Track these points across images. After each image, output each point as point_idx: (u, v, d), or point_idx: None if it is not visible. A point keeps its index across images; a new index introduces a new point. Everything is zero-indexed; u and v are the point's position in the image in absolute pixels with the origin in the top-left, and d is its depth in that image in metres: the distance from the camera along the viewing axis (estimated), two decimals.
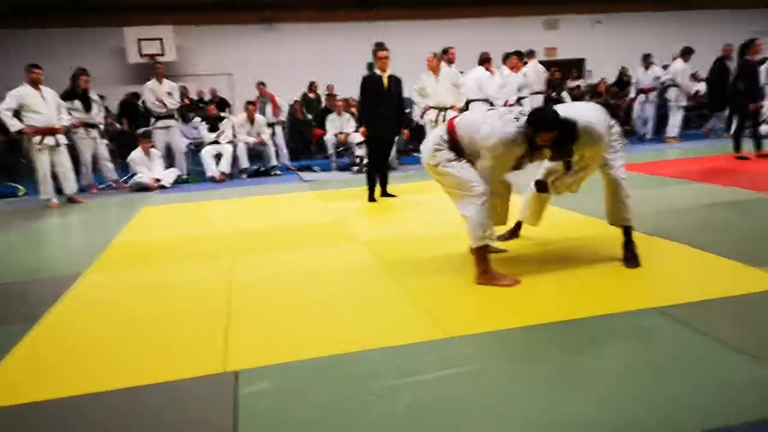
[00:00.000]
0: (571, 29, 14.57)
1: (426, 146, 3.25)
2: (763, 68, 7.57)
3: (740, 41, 9.57)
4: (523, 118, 2.91)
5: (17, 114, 6.56)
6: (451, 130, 3.13)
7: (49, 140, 6.75)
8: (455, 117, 3.25)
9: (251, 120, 9.17)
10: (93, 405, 2.07)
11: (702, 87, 10.61)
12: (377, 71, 5.91)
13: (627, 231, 3.34)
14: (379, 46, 5.91)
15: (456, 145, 3.11)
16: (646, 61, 10.73)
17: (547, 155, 3.08)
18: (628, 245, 3.32)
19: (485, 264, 3.09)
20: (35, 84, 6.72)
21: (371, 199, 5.95)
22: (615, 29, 14.42)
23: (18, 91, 6.64)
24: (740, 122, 7.43)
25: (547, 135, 2.86)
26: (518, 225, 3.97)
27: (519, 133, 2.89)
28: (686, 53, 10.08)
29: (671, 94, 10.28)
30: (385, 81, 5.85)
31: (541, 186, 3.41)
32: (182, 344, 2.55)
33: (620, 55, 13.65)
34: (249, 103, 9.35)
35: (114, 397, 2.10)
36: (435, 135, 3.23)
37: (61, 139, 6.93)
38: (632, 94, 11.33)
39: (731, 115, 8.09)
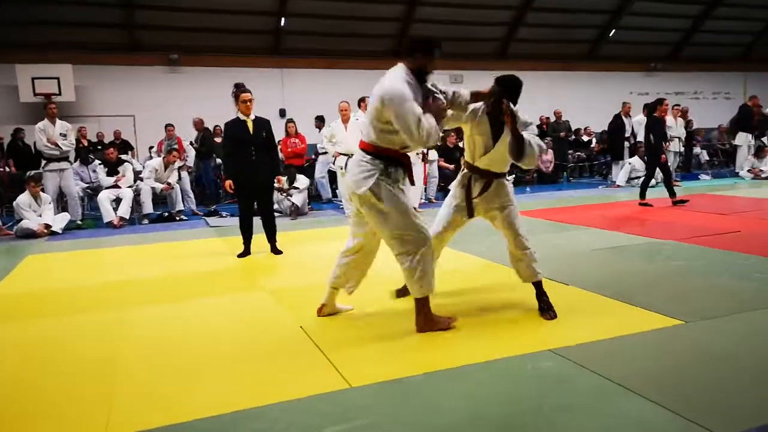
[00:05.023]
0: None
1: (349, 179, 2.99)
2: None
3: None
4: None
5: None
6: (364, 146, 2.96)
7: None
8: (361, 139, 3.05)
9: (166, 166, 8.80)
10: None
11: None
12: (240, 116, 5.31)
13: (537, 283, 3.32)
14: (239, 88, 5.31)
15: (382, 153, 2.92)
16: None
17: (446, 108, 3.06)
18: (541, 297, 3.29)
19: (428, 309, 3.02)
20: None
21: (244, 253, 5.43)
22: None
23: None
24: (650, 172, 7.99)
25: (425, 57, 2.93)
26: None
27: (404, 73, 2.91)
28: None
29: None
30: (250, 126, 5.31)
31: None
32: (62, 407, 2.34)
33: None
34: (172, 150, 9.01)
35: None
36: (355, 161, 2.99)
37: None
38: None
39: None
